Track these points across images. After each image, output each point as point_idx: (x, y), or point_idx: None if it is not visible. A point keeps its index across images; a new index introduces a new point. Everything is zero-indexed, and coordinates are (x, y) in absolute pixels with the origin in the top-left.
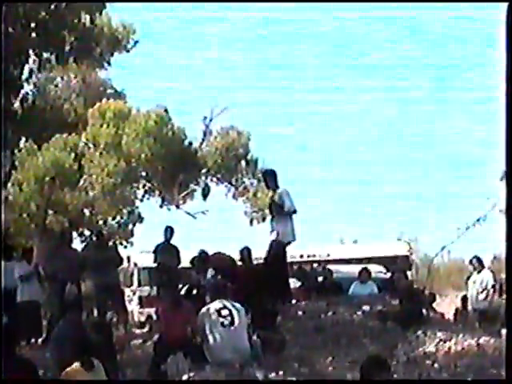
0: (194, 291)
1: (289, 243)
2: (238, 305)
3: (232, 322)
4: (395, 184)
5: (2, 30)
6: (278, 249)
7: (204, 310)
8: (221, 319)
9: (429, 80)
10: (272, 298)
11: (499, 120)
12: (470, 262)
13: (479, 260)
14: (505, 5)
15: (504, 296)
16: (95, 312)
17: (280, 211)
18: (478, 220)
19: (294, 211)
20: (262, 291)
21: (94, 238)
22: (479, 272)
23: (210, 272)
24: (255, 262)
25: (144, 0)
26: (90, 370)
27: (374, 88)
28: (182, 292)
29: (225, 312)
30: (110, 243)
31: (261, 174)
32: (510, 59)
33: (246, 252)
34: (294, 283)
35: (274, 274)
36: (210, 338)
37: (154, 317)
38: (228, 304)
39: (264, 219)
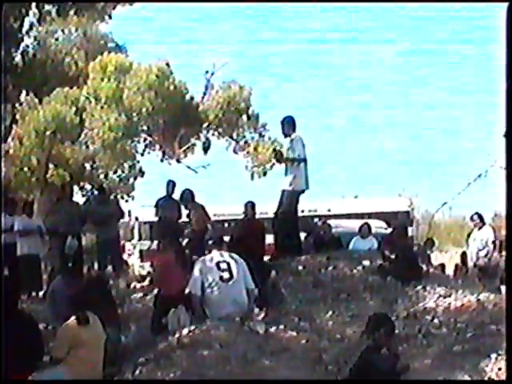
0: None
1: (302, 192)
2: (236, 256)
3: (231, 276)
4: (396, 140)
5: (2, 30)
6: (288, 198)
7: (201, 261)
8: (220, 273)
9: None
10: (282, 251)
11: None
12: (471, 218)
13: (480, 216)
14: (505, 5)
15: (503, 253)
16: (95, 266)
17: (289, 159)
18: (479, 176)
19: (304, 159)
20: (260, 245)
21: (96, 192)
22: (480, 228)
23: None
24: (258, 217)
25: (145, 0)
26: (85, 324)
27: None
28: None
29: (223, 266)
30: (112, 197)
31: (280, 122)
32: (510, 59)
33: (249, 206)
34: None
35: (285, 225)
36: (209, 292)
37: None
38: (226, 256)
39: (265, 174)
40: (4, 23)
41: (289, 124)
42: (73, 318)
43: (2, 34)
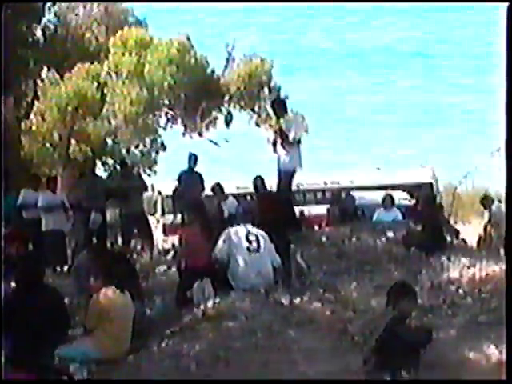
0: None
1: (295, 171)
2: (262, 231)
3: (258, 248)
4: (419, 110)
5: (2, 30)
6: (285, 178)
7: (228, 232)
8: (247, 244)
9: None
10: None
11: None
12: (481, 202)
13: (486, 199)
14: (505, 5)
15: None
16: (119, 240)
17: (286, 140)
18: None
19: (299, 141)
20: (276, 218)
21: (118, 167)
22: (490, 208)
23: (230, 200)
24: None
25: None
26: (122, 292)
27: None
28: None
29: (252, 237)
30: (134, 171)
31: (270, 104)
32: (510, 59)
33: (259, 181)
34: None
35: (283, 203)
36: (235, 262)
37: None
38: (255, 230)
39: None
40: (4, 23)
41: (279, 106)
42: (104, 289)
43: (1, 34)
